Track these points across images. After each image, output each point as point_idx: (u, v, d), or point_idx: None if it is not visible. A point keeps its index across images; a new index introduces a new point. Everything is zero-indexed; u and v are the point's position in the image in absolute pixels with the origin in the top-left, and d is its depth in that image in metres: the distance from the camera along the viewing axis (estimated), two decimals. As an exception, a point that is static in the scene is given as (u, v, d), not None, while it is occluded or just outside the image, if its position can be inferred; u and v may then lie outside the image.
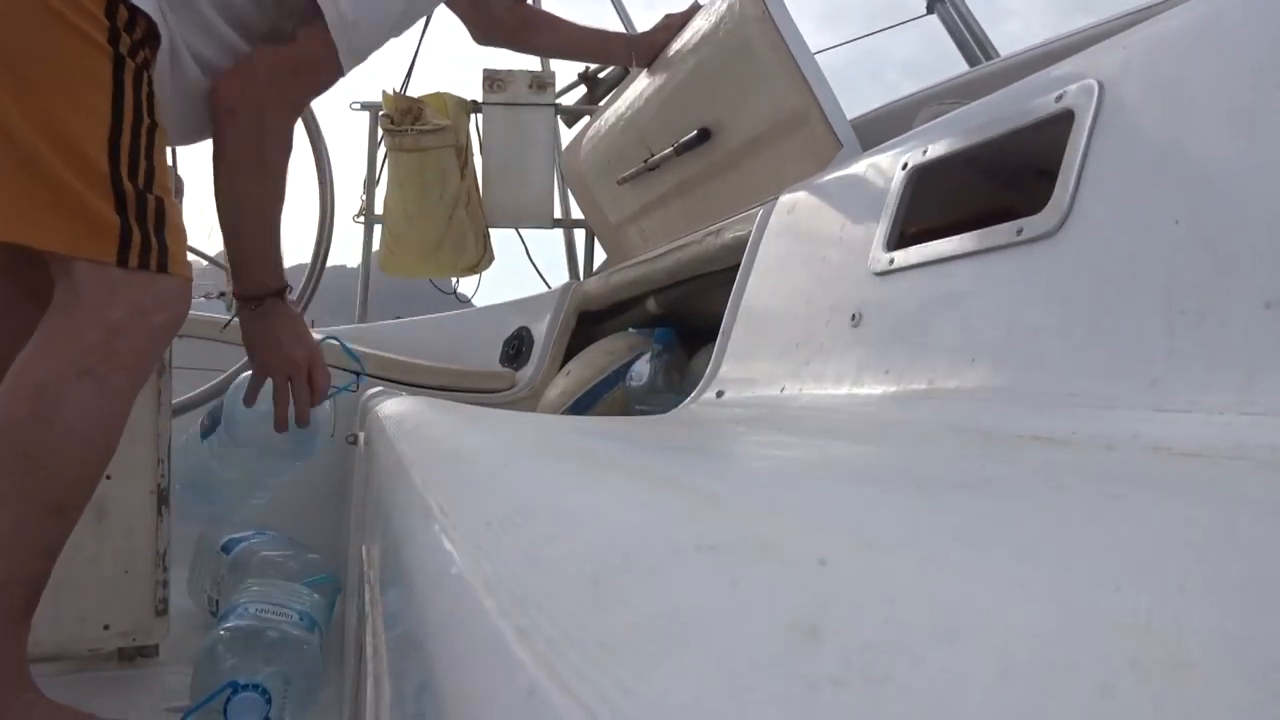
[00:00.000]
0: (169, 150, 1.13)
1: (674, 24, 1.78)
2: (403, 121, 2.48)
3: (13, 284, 1.09)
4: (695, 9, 1.74)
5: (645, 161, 1.81)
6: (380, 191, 2.72)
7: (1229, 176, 0.50)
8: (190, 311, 1.08)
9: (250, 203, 1.18)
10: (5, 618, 0.87)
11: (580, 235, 2.83)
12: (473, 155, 2.61)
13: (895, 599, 0.19)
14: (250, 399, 1.28)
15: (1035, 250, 0.62)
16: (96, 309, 0.93)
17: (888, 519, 0.29)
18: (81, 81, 0.96)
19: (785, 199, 1.10)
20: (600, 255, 2.63)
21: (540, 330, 1.99)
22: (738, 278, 1.11)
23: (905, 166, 0.83)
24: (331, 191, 2.32)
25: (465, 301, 2.85)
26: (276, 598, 1.15)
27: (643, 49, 1.83)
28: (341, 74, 1.18)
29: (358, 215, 2.79)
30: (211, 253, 2.24)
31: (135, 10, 0.99)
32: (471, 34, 1.75)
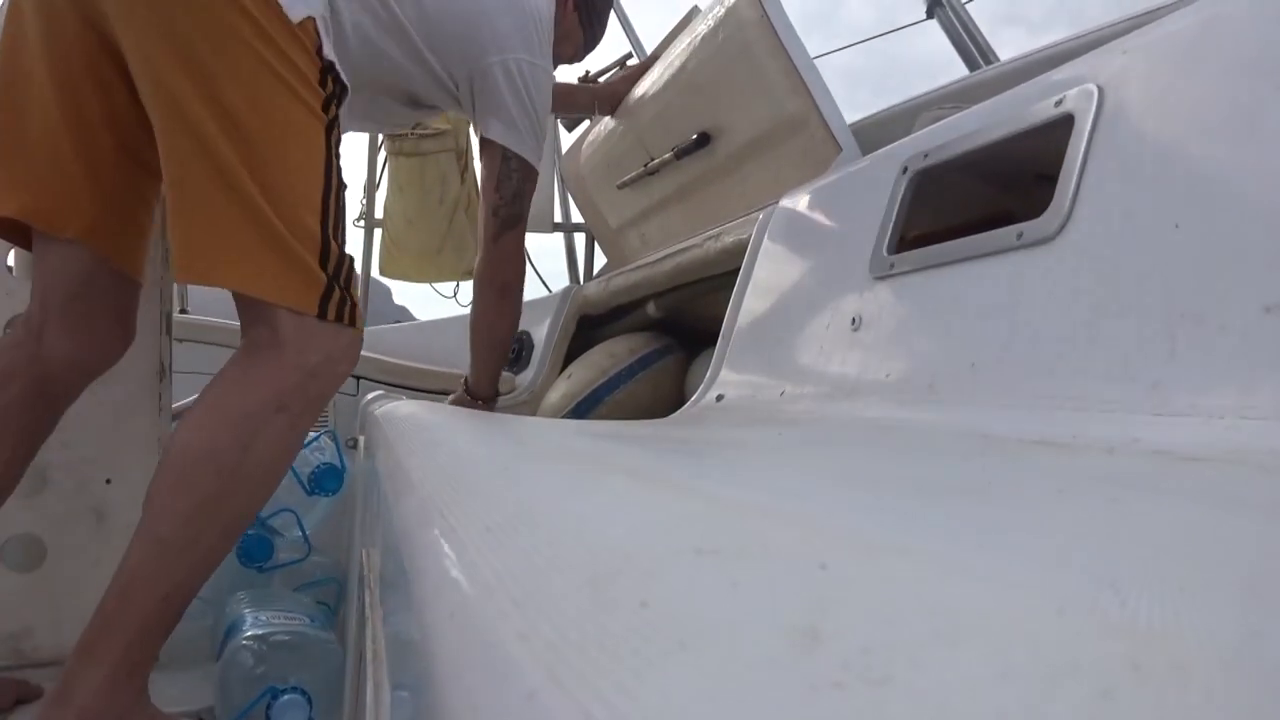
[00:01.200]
0: None
1: (633, 75, 1.95)
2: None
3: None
4: (655, 58, 1.80)
5: (645, 166, 1.81)
6: (381, 196, 2.72)
7: (1228, 181, 0.50)
8: (191, 315, 1.13)
9: (511, 331, 1.55)
10: (161, 627, 0.91)
11: (580, 239, 2.83)
12: (473, 159, 2.62)
13: (895, 602, 0.19)
14: None
15: (1035, 254, 0.62)
16: (296, 354, 1.01)
17: (887, 523, 0.29)
18: (303, 148, 1.05)
19: (785, 203, 1.11)
20: (600, 259, 2.63)
21: (540, 334, 1.99)
22: (738, 282, 1.12)
23: (905, 170, 0.83)
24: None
25: (466, 305, 2.86)
26: (279, 605, 1.15)
27: (605, 98, 2.00)
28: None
29: (358, 219, 2.79)
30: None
31: (339, 80, 1.11)
32: None
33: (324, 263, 1.04)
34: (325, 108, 1.08)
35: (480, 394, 1.60)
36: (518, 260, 1.51)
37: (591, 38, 1.68)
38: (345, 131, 1.27)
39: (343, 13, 1.18)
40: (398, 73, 1.31)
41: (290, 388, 0.98)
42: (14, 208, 1.08)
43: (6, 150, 1.08)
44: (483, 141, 1.43)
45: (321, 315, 1.04)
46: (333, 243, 1.06)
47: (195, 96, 0.98)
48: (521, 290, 1.55)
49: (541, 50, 1.40)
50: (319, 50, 1.07)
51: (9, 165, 1.08)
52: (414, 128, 2.48)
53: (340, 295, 1.05)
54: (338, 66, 1.10)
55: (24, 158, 1.08)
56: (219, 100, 0.98)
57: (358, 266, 2.78)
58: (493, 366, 1.61)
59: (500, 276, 1.50)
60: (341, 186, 1.11)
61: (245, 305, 1.05)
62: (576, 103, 2.05)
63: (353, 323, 1.08)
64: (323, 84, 1.08)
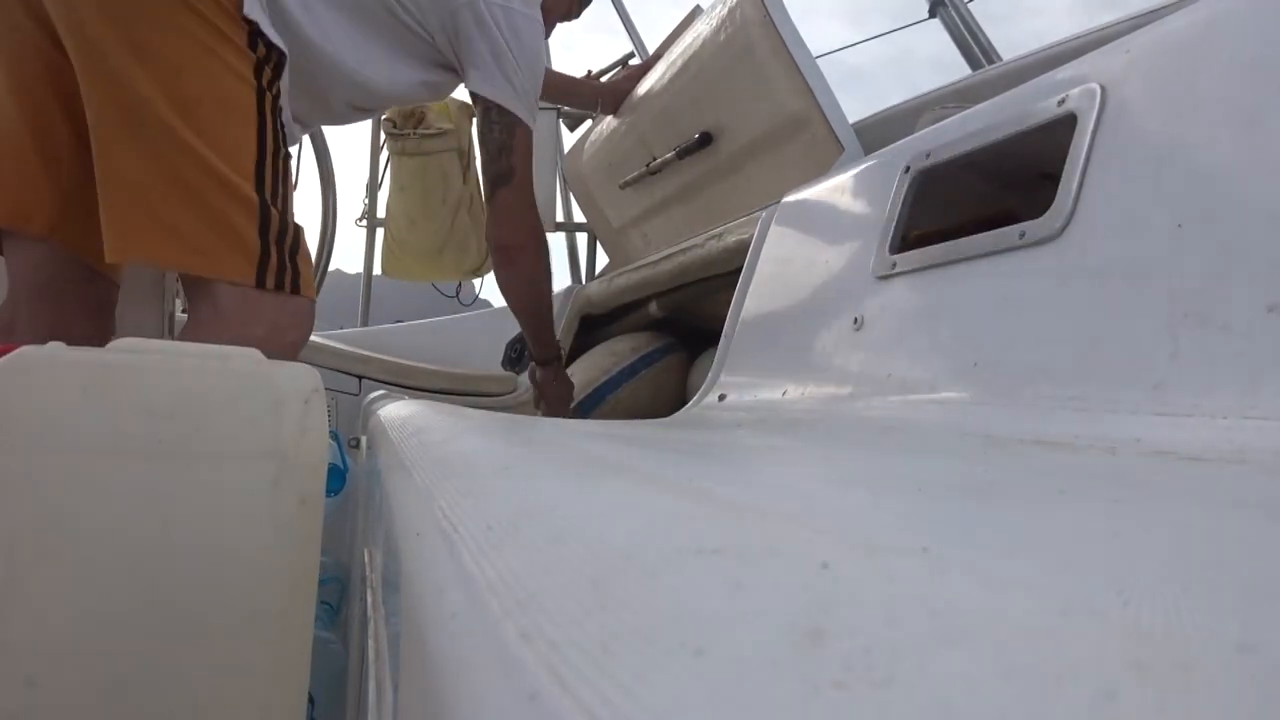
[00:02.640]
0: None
1: (635, 74, 1.89)
2: (405, 125, 2.49)
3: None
4: (657, 58, 1.79)
5: (647, 165, 1.81)
6: (383, 195, 2.72)
7: (1232, 180, 0.50)
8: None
9: (537, 295, 1.51)
10: None
11: (583, 239, 2.83)
12: (475, 159, 2.62)
13: (897, 602, 0.19)
14: None
15: (1038, 254, 0.62)
16: (239, 326, 1.01)
17: (890, 522, 0.29)
18: (233, 114, 1.04)
19: (787, 202, 1.11)
20: (603, 259, 2.63)
21: (543, 334, 1.99)
22: (740, 281, 1.11)
23: (907, 170, 0.83)
24: (334, 195, 2.32)
25: (467, 305, 2.86)
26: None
27: (608, 97, 1.98)
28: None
29: (360, 219, 2.80)
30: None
31: (271, 44, 1.08)
32: None
33: (264, 230, 1.02)
34: (258, 72, 1.05)
35: (539, 358, 1.58)
36: (516, 219, 1.40)
37: None
38: (325, 124, 1.24)
39: None
40: (368, 39, 1.24)
41: None
42: None
43: None
44: (472, 98, 1.36)
45: (260, 284, 1.02)
46: (272, 209, 1.04)
47: (112, 69, 0.96)
48: (535, 250, 1.44)
49: None
50: (241, 10, 1.03)
51: None
52: (415, 127, 2.47)
53: (279, 262, 1.03)
54: (262, 27, 1.06)
55: None
56: (134, 71, 0.97)
57: (360, 266, 2.79)
58: (534, 330, 1.54)
59: (498, 238, 1.40)
60: (281, 152, 1.08)
61: (187, 282, 1.04)
62: (580, 96, 2.04)
63: (296, 290, 1.06)
64: (252, 47, 1.05)
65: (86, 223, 1.12)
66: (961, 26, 1.96)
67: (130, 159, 0.98)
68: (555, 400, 1.60)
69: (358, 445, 1.26)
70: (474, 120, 1.45)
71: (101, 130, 0.99)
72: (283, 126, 1.10)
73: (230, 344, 0.97)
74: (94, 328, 1.15)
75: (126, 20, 0.97)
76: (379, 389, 1.91)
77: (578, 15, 1.63)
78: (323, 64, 1.17)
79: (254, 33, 1.05)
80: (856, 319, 0.81)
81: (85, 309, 1.14)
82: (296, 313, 1.07)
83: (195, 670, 0.58)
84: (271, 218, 1.04)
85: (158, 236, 0.98)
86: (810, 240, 1.01)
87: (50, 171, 1.08)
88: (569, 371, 1.75)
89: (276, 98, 1.09)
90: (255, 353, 0.68)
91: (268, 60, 1.07)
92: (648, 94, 1.81)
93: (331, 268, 2.49)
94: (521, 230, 1.41)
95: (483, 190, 1.44)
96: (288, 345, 1.06)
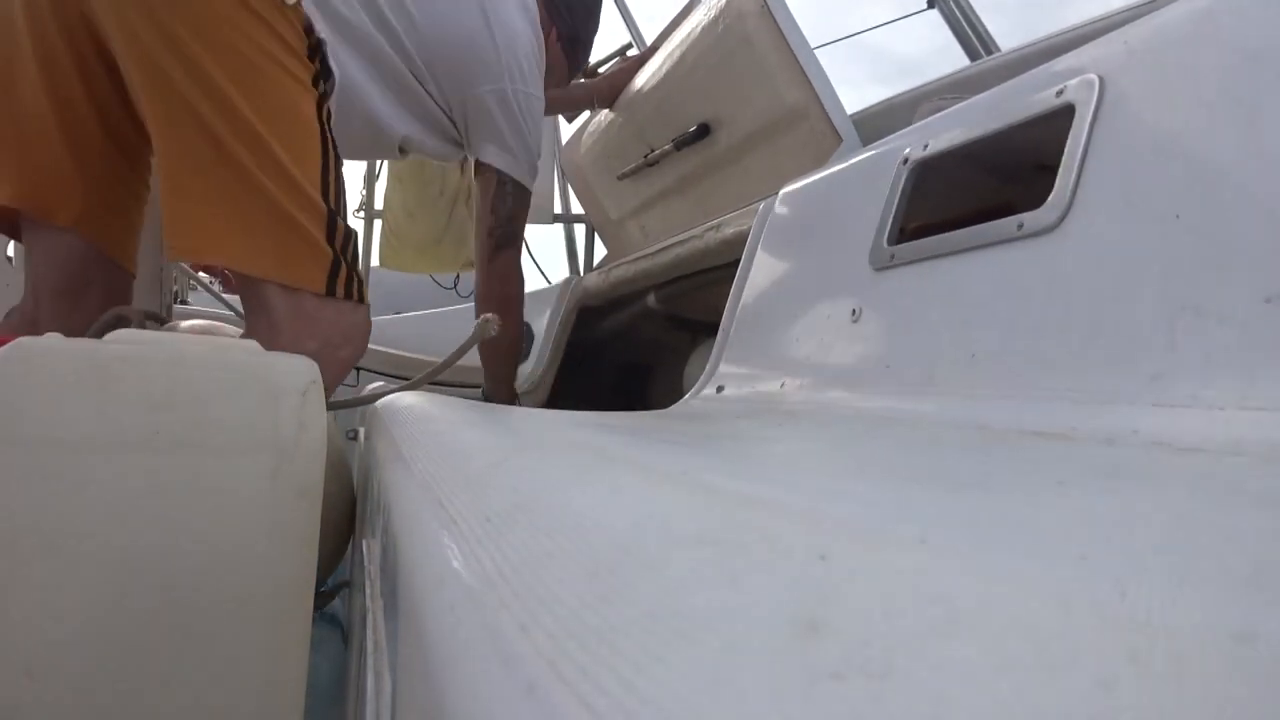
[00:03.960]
0: None
1: (631, 66, 1.94)
2: (403, 117, 2.47)
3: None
4: (655, 49, 1.79)
5: (645, 157, 1.81)
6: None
7: (1230, 171, 0.50)
8: (191, 305, 1.12)
9: (517, 342, 1.60)
10: None
11: (580, 230, 2.83)
12: (473, 152, 2.61)
13: (895, 594, 0.19)
14: None
15: (1036, 245, 0.62)
16: (293, 343, 0.99)
17: (888, 514, 0.29)
18: (298, 120, 1.05)
19: (785, 194, 1.10)
20: (601, 250, 2.63)
21: (541, 325, 1.99)
22: (738, 273, 1.11)
23: (905, 161, 0.83)
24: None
25: (465, 296, 2.85)
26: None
27: (603, 91, 2.00)
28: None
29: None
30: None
31: (326, 59, 1.11)
32: None
33: (331, 238, 1.03)
34: (315, 83, 1.07)
35: (499, 402, 1.62)
36: (515, 278, 1.55)
37: (575, 68, 1.72)
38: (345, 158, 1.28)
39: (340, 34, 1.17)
40: (382, 90, 1.30)
41: None
42: (7, 194, 1.07)
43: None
44: (478, 166, 1.46)
45: (330, 292, 1.02)
46: (338, 218, 1.05)
47: (183, 74, 0.96)
48: (521, 303, 1.58)
49: (535, 79, 1.45)
50: (308, 29, 1.06)
51: (1, 155, 1.08)
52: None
53: (348, 272, 1.05)
54: (326, 49, 1.09)
55: (15, 148, 1.08)
56: (207, 76, 0.97)
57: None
58: (506, 378, 1.65)
59: (497, 295, 1.53)
60: (339, 161, 1.10)
61: (245, 290, 1.04)
62: (573, 101, 2.05)
63: (361, 299, 1.07)
64: (311, 58, 1.07)
65: (109, 217, 1.13)
66: (960, 17, 1.96)
67: (200, 161, 0.98)
68: None
69: (356, 437, 1.26)
70: (476, 182, 1.51)
71: (167, 137, 0.99)
72: (333, 134, 1.11)
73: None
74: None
75: (189, 49, 0.97)
76: (377, 380, 1.91)
77: (565, 87, 1.79)
78: (343, 94, 1.19)
79: (312, 46, 1.07)
80: (854, 310, 0.81)
81: (106, 301, 1.14)
82: (354, 325, 1.08)
83: (194, 661, 0.58)
84: (338, 226, 1.05)
85: (228, 234, 0.99)
86: (808, 232, 1.01)
87: (79, 165, 1.09)
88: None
89: (329, 104, 1.11)
90: (253, 344, 0.68)
91: (324, 75, 1.10)
92: (645, 85, 1.81)
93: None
94: (518, 286, 1.57)
95: (479, 249, 1.54)
96: (339, 362, 1.07)
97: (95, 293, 1.14)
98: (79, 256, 1.12)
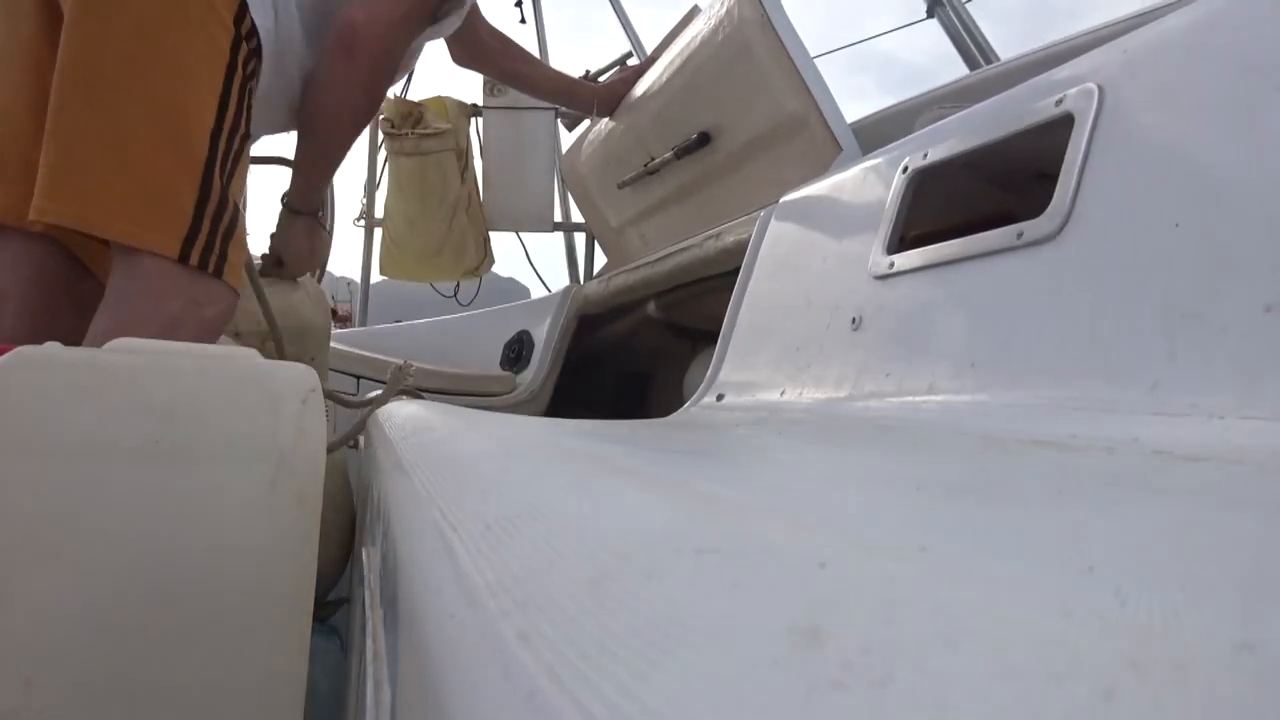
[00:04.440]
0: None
1: (631, 76, 1.91)
2: (403, 125, 2.49)
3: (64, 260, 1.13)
4: (655, 58, 1.80)
5: (645, 165, 1.81)
6: (381, 195, 2.72)
7: (1229, 180, 0.50)
8: None
9: (361, 112, 1.23)
10: None
11: (580, 239, 2.83)
12: (473, 159, 2.62)
13: (895, 602, 0.19)
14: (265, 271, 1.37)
15: (1035, 254, 0.62)
16: (155, 300, 0.96)
17: (888, 522, 0.29)
18: (195, 78, 0.99)
19: (785, 202, 1.11)
20: (600, 259, 2.63)
21: (540, 334, 1.99)
22: (738, 281, 1.11)
23: (905, 170, 0.83)
24: (332, 195, 2.32)
25: (465, 305, 2.86)
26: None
27: (605, 98, 1.97)
28: None
29: (358, 219, 2.79)
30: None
31: (254, 26, 1.06)
32: (452, 53, 1.78)
33: (202, 201, 0.98)
34: (234, 47, 1.03)
35: (305, 205, 1.31)
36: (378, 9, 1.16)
37: None
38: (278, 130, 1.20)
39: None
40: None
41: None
42: None
43: None
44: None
45: (182, 259, 0.97)
46: (215, 181, 1.00)
47: (87, 21, 0.94)
48: (389, 50, 1.19)
49: None
50: None
51: None
52: (414, 127, 2.48)
53: (207, 240, 0.99)
54: (254, 20, 1.05)
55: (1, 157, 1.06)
56: (111, 22, 0.94)
57: (358, 266, 2.79)
58: (329, 159, 1.28)
59: (349, 16, 1.16)
60: (239, 131, 1.04)
61: (112, 248, 0.99)
62: (578, 98, 2.04)
63: (219, 274, 1.01)
64: (237, 21, 1.03)
65: None
66: (959, 26, 1.96)
67: (78, 111, 0.94)
68: (306, 254, 1.39)
69: (355, 445, 1.26)
70: (470, 119, 1.43)
71: (59, 81, 0.95)
72: (248, 110, 1.06)
73: (147, 319, 0.94)
74: (85, 325, 1.14)
75: None
76: (376, 389, 1.91)
77: None
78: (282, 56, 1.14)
79: (241, 8, 1.03)
80: (854, 319, 0.81)
81: (75, 306, 1.12)
82: (215, 291, 1.01)
83: (194, 670, 0.58)
84: (213, 189, 1.00)
85: (85, 197, 0.94)
86: (808, 240, 1.01)
87: None
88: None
89: (249, 78, 1.06)
90: (253, 352, 0.68)
91: (250, 38, 1.05)
92: (646, 94, 1.81)
93: (332, 268, 2.49)
94: (388, 9, 1.17)
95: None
96: (206, 321, 1.01)
97: (64, 297, 1.10)
98: (48, 260, 1.09)
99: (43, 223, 0.96)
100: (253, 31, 1.06)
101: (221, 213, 1.01)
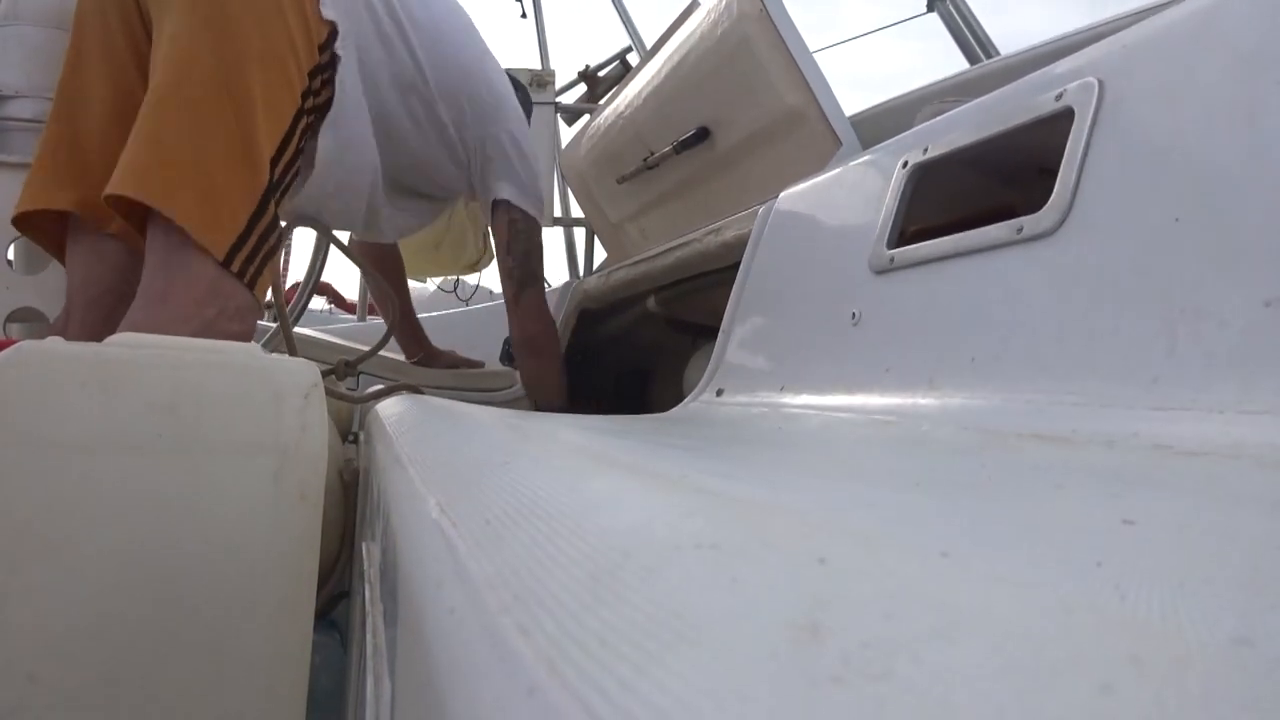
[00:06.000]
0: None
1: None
2: (403, 120, 2.48)
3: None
4: (654, 53, 1.82)
5: (645, 160, 1.81)
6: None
7: (1229, 174, 0.50)
8: None
9: (557, 370, 1.67)
10: None
11: (580, 234, 2.83)
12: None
13: (895, 597, 0.19)
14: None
15: (1035, 248, 0.62)
16: (196, 304, 1.00)
17: (887, 517, 0.29)
18: (273, 112, 1.08)
19: (785, 197, 1.10)
20: (600, 254, 2.63)
21: (541, 329, 1.98)
22: (738, 276, 1.11)
23: (905, 165, 0.83)
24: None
25: (464, 300, 2.85)
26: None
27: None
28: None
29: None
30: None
31: (327, 84, 1.16)
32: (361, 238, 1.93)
33: (255, 217, 1.04)
34: (304, 96, 1.11)
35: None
36: (543, 317, 1.58)
37: None
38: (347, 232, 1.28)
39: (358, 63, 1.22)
40: (409, 140, 1.36)
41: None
42: (70, 199, 1.09)
43: (62, 154, 1.12)
44: (494, 205, 1.50)
45: (226, 262, 1.02)
46: (271, 205, 1.06)
47: (195, 39, 1.02)
48: (556, 340, 1.62)
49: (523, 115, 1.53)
50: (326, 43, 1.12)
51: (65, 166, 1.10)
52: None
53: (251, 252, 1.04)
54: (335, 73, 1.14)
55: (78, 159, 1.11)
56: (207, 31, 1.02)
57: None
58: (553, 392, 1.67)
59: (526, 332, 1.56)
60: (297, 167, 1.12)
61: (152, 232, 1.03)
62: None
63: (251, 286, 1.06)
64: (312, 75, 1.12)
65: None
66: (959, 21, 1.96)
67: (169, 116, 1.01)
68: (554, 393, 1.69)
69: (355, 440, 1.26)
70: (488, 218, 1.55)
71: (160, 88, 1.02)
72: (301, 154, 1.14)
73: (183, 322, 0.98)
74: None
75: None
76: (376, 384, 1.91)
77: None
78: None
79: (324, 63, 1.12)
80: (854, 314, 0.81)
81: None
82: (243, 307, 1.07)
83: (196, 665, 0.58)
84: (267, 209, 1.05)
85: (161, 183, 1.00)
86: (808, 235, 1.01)
87: None
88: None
89: (310, 126, 1.14)
90: (255, 347, 0.68)
91: (318, 92, 1.14)
92: (645, 88, 1.81)
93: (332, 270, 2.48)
94: (548, 325, 1.61)
95: (505, 289, 1.57)
96: (234, 336, 1.05)
97: (129, 304, 1.14)
98: (121, 262, 1.14)
99: (114, 195, 1.00)
100: (324, 88, 1.15)
101: (269, 232, 1.07)
